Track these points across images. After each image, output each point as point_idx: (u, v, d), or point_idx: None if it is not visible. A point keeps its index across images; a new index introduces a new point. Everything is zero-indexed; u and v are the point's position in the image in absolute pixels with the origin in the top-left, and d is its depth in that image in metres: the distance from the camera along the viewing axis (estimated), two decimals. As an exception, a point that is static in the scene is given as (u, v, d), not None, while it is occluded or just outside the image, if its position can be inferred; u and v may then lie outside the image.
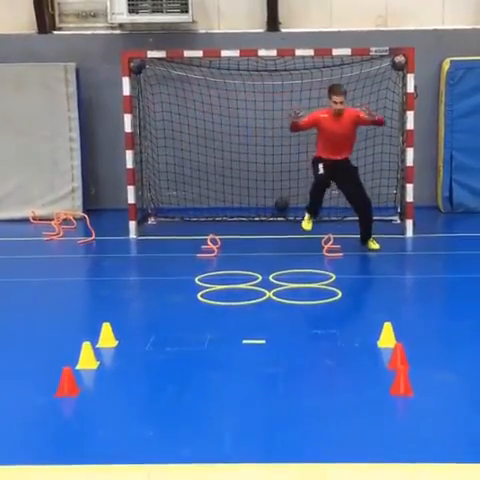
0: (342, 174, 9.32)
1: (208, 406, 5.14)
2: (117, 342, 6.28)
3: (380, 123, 9.43)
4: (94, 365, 5.77)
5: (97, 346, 6.13)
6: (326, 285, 7.84)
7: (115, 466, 4.31)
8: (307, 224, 9.48)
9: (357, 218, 9.61)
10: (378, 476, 4.13)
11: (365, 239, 9.50)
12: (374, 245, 9.43)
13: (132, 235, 10.60)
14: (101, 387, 5.59)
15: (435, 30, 12.07)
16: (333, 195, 11.35)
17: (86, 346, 5.80)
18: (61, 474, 4.25)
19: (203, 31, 12.23)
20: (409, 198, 10.49)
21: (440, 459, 4.30)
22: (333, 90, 9.20)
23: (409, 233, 10.37)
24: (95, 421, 4.97)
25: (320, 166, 9.17)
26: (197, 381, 5.55)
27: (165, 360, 5.95)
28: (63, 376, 5.25)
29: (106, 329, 6.29)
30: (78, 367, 5.69)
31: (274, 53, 10.56)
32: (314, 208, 9.51)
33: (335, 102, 9.07)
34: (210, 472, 4.24)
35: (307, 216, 9.50)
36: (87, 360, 5.76)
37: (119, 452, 4.50)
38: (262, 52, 10.53)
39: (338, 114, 9.08)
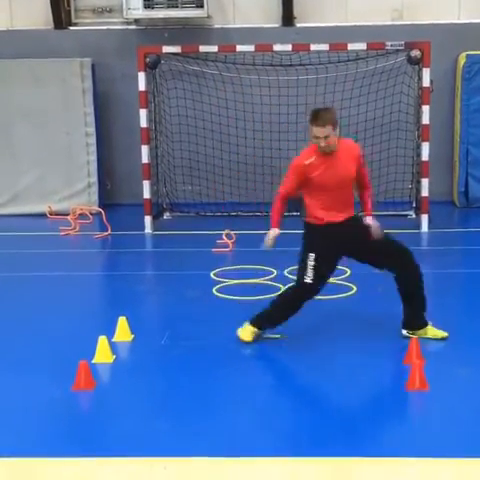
0: (357, 241, 6.04)
1: (224, 399, 5.16)
2: (133, 336, 6.31)
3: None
4: (110, 359, 5.81)
5: (113, 340, 6.16)
6: (341, 280, 7.84)
7: (131, 459, 4.33)
8: (247, 333, 6.12)
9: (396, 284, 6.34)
10: (393, 470, 4.14)
11: (417, 323, 6.20)
12: (439, 332, 6.18)
13: (147, 230, 10.63)
14: (117, 380, 5.62)
15: (451, 24, 12.02)
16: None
17: (102, 340, 5.83)
18: (77, 466, 4.28)
19: (218, 26, 12.23)
20: (424, 193, 10.46)
21: (456, 454, 4.30)
22: (311, 118, 5.83)
23: (424, 228, 10.34)
24: (111, 414, 5.00)
25: (310, 263, 5.93)
26: (213, 375, 5.57)
27: (180, 354, 5.98)
28: (79, 369, 5.29)
29: (122, 323, 6.32)
30: (94, 361, 5.73)
31: (289, 48, 10.55)
32: (274, 323, 6.17)
33: (315, 137, 5.78)
34: (226, 465, 4.26)
35: (252, 328, 6.12)
36: (103, 354, 5.79)
37: (135, 445, 4.53)
38: (277, 47, 10.52)
39: (326, 152, 5.85)
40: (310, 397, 5.20)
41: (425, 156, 10.38)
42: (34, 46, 12.05)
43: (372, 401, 5.05)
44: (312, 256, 5.93)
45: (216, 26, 12.24)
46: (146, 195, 10.76)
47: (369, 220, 6.02)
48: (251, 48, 10.54)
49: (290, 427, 4.73)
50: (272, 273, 8.08)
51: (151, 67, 10.99)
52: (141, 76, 10.55)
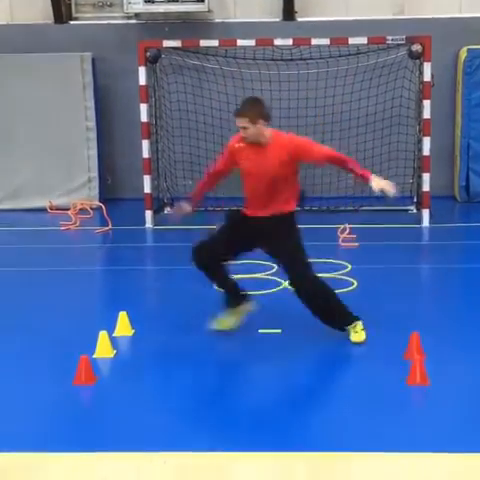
0: (267, 240, 5.95)
1: (224, 394, 5.16)
2: (133, 331, 6.31)
3: (364, 178, 5.74)
4: (111, 354, 5.81)
5: (114, 335, 6.16)
6: (342, 275, 7.83)
7: (132, 453, 4.33)
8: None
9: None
10: (394, 465, 4.14)
11: (339, 328, 6.07)
12: (357, 335, 5.95)
13: (148, 224, 10.63)
14: (118, 375, 5.62)
15: (452, 18, 11.98)
16: (349, 184, 11.35)
17: (103, 335, 5.83)
18: (78, 461, 4.28)
19: (219, 20, 12.21)
20: (426, 187, 10.45)
21: (457, 449, 4.29)
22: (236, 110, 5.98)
23: (425, 223, 10.34)
24: (112, 409, 5.00)
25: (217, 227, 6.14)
26: (213, 369, 5.58)
27: (181, 349, 5.98)
28: (80, 364, 5.29)
29: (122, 318, 6.31)
30: (95, 355, 5.73)
31: (290, 42, 10.55)
32: (223, 287, 6.24)
33: (237, 125, 5.83)
34: (226, 460, 4.26)
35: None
36: (104, 349, 5.79)
37: (135, 439, 4.53)
38: (278, 41, 10.51)
39: (249, 142, 5.81)
40: (309, 391, 5.19)
41: (426, 151, 10.36)
42: (34, 40, 12.03)
43: (373, 396, 5.04)
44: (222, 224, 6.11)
45: (217, 20, 12.21)
46: (147, 190, 10.76)
47: (374, 185, 5.59)
48: (252, 42, 10.53)
49: (291, 423, 4.72)
50: (272, 268, 8.07)
51: (152, 61, 10.98)
52: (141, 70, 10.54)
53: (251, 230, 5.94)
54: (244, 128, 5.71)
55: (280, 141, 5.81)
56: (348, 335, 5.95)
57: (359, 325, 5.98)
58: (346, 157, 5.94)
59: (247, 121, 5.69)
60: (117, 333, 6.23)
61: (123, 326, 6.29)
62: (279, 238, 5.86)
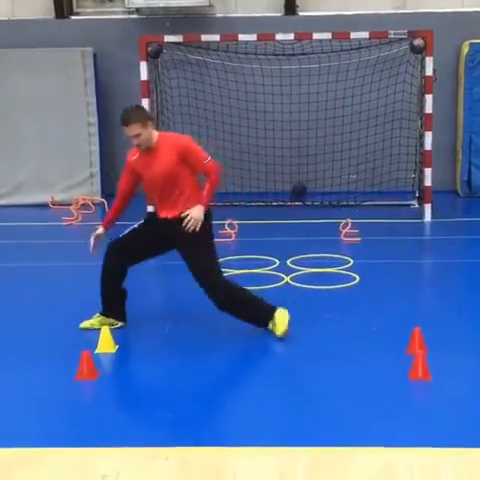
0: (176, 243, 5.99)
1: (226, 390, 5.17)
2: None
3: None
4: (113, 349, 5.81)
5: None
6: (344, 270, 7.83)
7: (133, 449, 4.33)
8: (92, 321, 6.22)
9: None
10: (396, 460, 4.14)
11: (258, 325, 6.04)
12: (279, 326, 5.90)
13: (150, 220, 10.62)
14: (120, 370, 5.62)
15: (454, 12, 11.95)
16: (351, 179, 11.35)
17: (105, 330, 5.83)
18: (80, 457, 4.28)
19: (220, 15, 12.19)
20: (427, 182, 10.43)
21: (459, 444, 4.29)
22: (120, 120, 5.85)
23: (427, 217, 10.32)
24: (114, 404, 5.01)
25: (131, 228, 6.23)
26: (215, 365, 5.58)
27: (184, 343, 5.98)
28: (82, 360, 5.30)
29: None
30: (97, 351, 5.73)
31: (291, 37, 10.52)
32: (105, 300, 6.21)
33: (127, 137, 5.84)
34: (228, 455, 4.26)
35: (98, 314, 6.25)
36: (106, 344, 5.79)
37: (138, 435, 4.54)
38: (280, 36, 10.49)
39: (143, 149, 5.85)
40: (311, 387, 5.19)
41: (428, 145, 10.34)
42: (35, 36, 12.01)
43: (375, 391, 5.04)
44: (137, 225, 6.21)
45: (218, 15, 12.19)
46: (148, 185, 10.74)
47: (189, 210, 5.76)
48: (253, 37, 10.50)
49: (292, 418, 4.72)
50: (274, 263, 8.07)
51: (153, 56, 10.96)
52: (143, 65, 10.53)
53: (161, 232, 6.00)
54: (137, 135, 5.73)
55: (169, 141, 5.88)
56: (272, 331, 5.89)
57: (277, 316, 5.88)
58: (216, 181, 5.88)
59: (139, 126, 5.72)
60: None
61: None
62: (187, 243, 5.87)
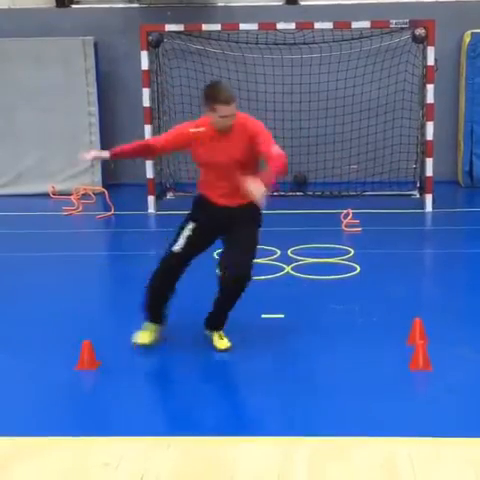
0: (230, 226, 5.53)
1: (228, 379, 5.17)
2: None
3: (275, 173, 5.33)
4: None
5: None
6: (345, 260, 7.83)
7: (135, 438, 4.35)
8: (143, 336, 5.73)
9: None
10: (396, 450, 4.15)
11: (213, 325, 5.77)
12: (222, 342, 5.67)
13: (151, 210, 10.62)
14: (121, 360, 5.62)
15: (456, 2, 11.90)
16: (352, 169, 11.33)
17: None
18: (81, 445, 4.29)
19: (221, 4, 12.14)
20: (429, 172, 10.41)
21: (460, 434, 4.31)
22: (218, 97, 5.25)
23: (429, 208, 10.31)
24: (115, 393, 5.01)
25: (184, 234, 5.66)
26: (217, 355, 5.58)
27: (185, 333, 5.97)
28: (83, 349, 5.30)
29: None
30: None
31: (293, 26, 10.49)
32: (155, 307, 5.74)
33: (224, 116, 5.27)
34: (229, 445, 4.27)
35: (146, 323, 5.76)
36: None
37: (139, 424, 4.54)
38: (281, 25, 10.45)
39: (226, 131, 5.37)
40: (312, 377, 5.20)
41: (429, 135, 10.32)
42: (36, 25, 11.97)
43: (375, 381, 5.04)
44: (190, 226, 5.64)
45: (219, 4, 12.14)
46: (149, 175, 10.74)
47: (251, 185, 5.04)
48: (254, 26, 10.47)
49: (294, 408, 4.73)
50: (275, 253, 8.07)
51: (154, 46, 10.93)
52: (144, 55, 10.49)
53: (216, 220, 5.56)
54: (233, 115, 5.27)
55: (242, 125, 5.36)
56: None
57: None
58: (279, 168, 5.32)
59: (235, 106, 5.28)
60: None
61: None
62: (244, 221, 5.49)
